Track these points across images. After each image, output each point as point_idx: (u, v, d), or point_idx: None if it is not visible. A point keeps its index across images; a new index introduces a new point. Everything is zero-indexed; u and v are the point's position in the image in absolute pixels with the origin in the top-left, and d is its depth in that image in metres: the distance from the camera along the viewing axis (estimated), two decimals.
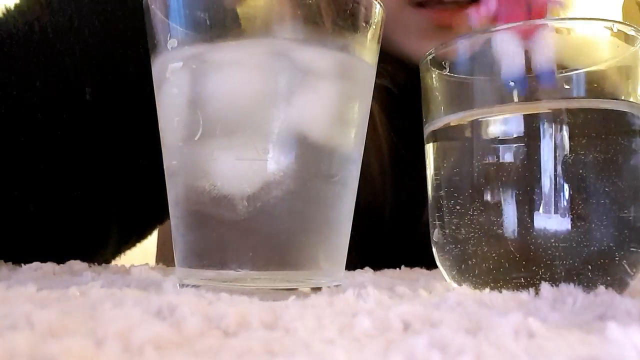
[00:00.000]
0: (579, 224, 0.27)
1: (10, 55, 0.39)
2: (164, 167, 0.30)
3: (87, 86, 0.40)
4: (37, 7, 0.40)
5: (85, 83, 0.40)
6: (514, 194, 0.28)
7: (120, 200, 0.45)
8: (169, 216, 0.52)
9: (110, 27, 0.40)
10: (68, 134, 0.40)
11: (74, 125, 0.40)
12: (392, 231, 0.55)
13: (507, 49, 0.28)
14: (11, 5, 0.40)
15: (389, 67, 0.46)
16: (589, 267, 0.26)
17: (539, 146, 0.27)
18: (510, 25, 0.29)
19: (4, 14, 0.40)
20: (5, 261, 0.40)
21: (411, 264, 0.46)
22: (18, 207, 0.41)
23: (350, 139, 0.29)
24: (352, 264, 0.46)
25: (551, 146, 0.27)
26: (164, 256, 0.83)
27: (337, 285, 0.28)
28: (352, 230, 0.47)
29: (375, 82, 0.49)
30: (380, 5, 0.30)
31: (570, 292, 0.23)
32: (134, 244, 0.52)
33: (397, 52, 0.52)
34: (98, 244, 0.43)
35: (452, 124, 0.31)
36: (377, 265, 0.45)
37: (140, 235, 0.52)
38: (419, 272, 0.43)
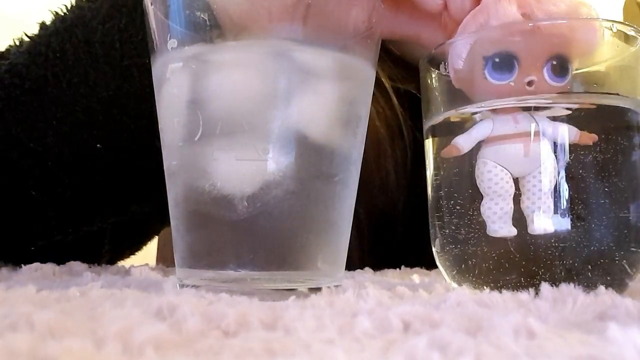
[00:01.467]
0: (578, 224, 0.26)
1: (22, 104, 0.39)
2: (164, 167, 0.30)
3: (99, 139, 0.39)
4: (50, 56, 0.39)
5: (97, 137, 0.39)
6: (513, 194, 0.28)
7: (114, 219, 0.45)
8: (163, 227, 0.52)
9: (126, 83, 0.39)
10: (77, 183, 0.41)
11: (83, 175, 0.41)
12: (405, 233, 0.55)
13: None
14: (25, 54, 0.40)
15: (413, 72, 0.46)
16: (589, 267, 0.26)
17: (539, 146, 0.27)
18: (508, 24, 0.29)
19: (14, 64, 0.39)
20: (5, 262, 0.40)
21: (424, 266, 0.46)
22: (19, 238, 0.42)
23: (350, 139, 0.29)
24: (363, 263, 0.46)
25: (551, 145, 0.27)
26: (164, 257, 0.83)
27: (337, 286, 0.28)
28: (366, 238, 0.47)
29: (399, 88, 0.48)
30: (381, 5, 0.30)
31: (571, 293, 0.23)
32: (128, 256, 0.53)
33: (414, 62, 0.51)
34: (91, 259, 0.43)
35: (451, 123, 0.31)
36: (390, 265, 0.45)
37: (133, 250, 0.53)
38: (419, 272, 0.43)
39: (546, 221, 0.27)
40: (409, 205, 0.55)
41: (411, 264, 0.47)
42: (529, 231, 0.27)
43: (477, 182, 0.28)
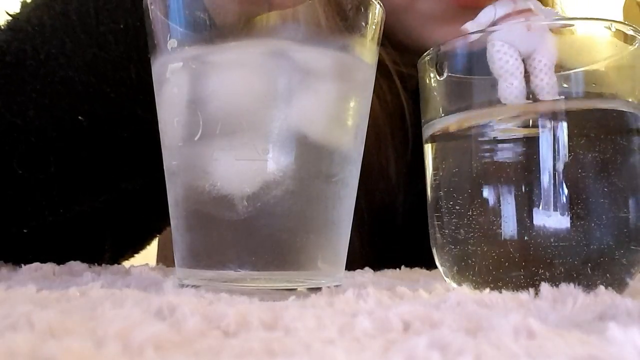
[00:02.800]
0: (578, 224, 0.26)
1: (1, 77, 0.39)
2: (164, 167, 0.30)
3: (80, 110, 0.39)
4: (30, 30, 0.39)
5: (78, 108, 0.39)
6: (513, 194, 0.28)
7: (114, 218, 0.45)
8: (165, 226, 0.52)
9: (102, 50, 0.39)
10: (61, 158, 0.40)
11: (68, 150, 0.40)
12: (405, 228, 0.55)
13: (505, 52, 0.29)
14: (7, 32, 0.40)
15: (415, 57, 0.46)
16: (589, 266, 0.26)
17: (538, 146, 0.27)
18: (508, 25, 0.29)
19: None
20: (5, 262, 0.40)
21: (422, 263, 0.46)
22: (11, 229, 0.41)
23: (350, 139, 0.29)
24: (364, 258, 0.45)
25: (550, 146, 0.27)
26: (165, 256, 0.83)
27: (337, 286, 0.28)
28: (366, 226, 0.46)
29: (407, 84, 0.48)
30: (380, 5, 0.30)
31: (570, 292, 0.23)
32: (131, 255, 0.52)
33: (413, 43, 0.51)
34: (93, 258, 0.43)
35: (451, 124, 0.31)
36: (390, 262, 0.45)
37: (136, 248, 0.52)
38: (419, 272, 0.43)
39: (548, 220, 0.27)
40: (409, 199, 0.54)
41: (410, 261, 0.47)
42: (540, 98, 0.28)
43: (490, 67, 0.29)
